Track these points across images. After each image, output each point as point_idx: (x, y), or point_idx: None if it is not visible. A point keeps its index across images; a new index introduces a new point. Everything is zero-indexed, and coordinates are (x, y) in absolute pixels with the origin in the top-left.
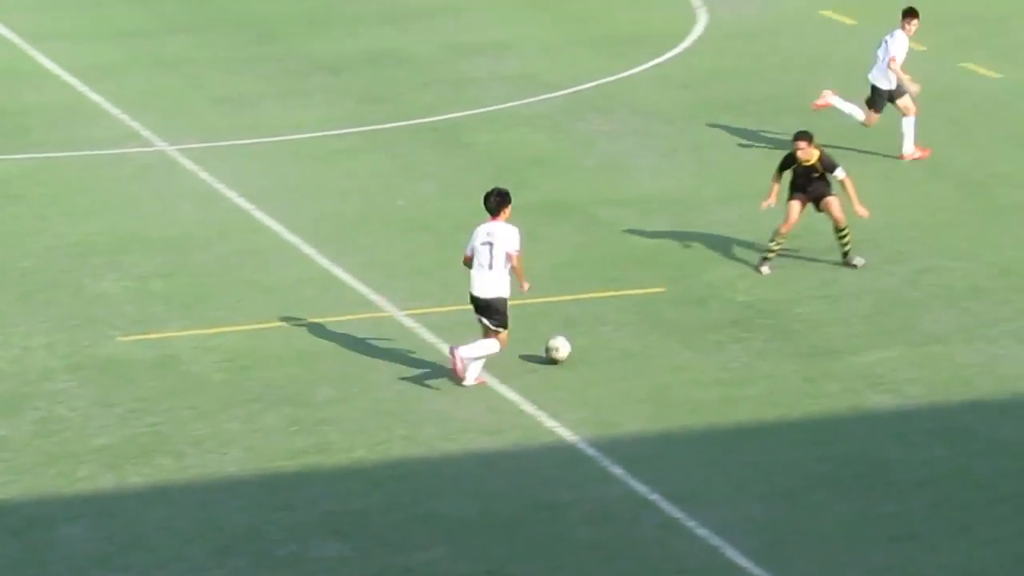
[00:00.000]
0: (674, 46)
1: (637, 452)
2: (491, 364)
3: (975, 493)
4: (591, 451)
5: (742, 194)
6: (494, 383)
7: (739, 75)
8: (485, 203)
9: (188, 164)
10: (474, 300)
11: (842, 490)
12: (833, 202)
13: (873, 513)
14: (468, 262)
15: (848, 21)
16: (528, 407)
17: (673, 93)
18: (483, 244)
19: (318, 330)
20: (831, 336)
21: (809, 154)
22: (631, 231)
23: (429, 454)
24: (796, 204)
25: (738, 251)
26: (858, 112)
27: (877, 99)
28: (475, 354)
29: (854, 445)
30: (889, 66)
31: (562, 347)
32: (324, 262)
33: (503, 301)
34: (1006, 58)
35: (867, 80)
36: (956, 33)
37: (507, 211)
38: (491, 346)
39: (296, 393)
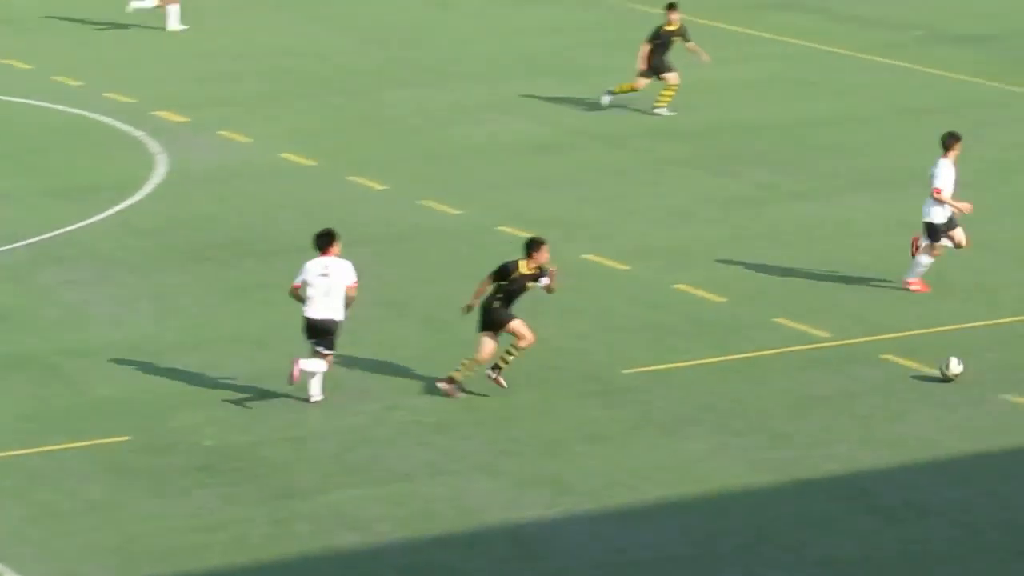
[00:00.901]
0: (134, 193)
1: None
2: None
3: None
4: None
5: (204, 339)
6: None
7: (200, 220)
8: (315, 243)
9: None
10: (310, 324)
11: None
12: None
13: None
14: (294, 292)
15: (307, 163)
16: None
17: (134, 240)
18: (321, 276)
19: None
20: (299, 477)
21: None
22: (94, 381)
23: None
24: (489, 338)
25: (202, 396)
26: (925, 258)
27: (933, 235)
28: (309, 368)
29: None
30: (933, 197)
31: (953, 365)
32: None
33: (337, 324)
34: (463, 195)
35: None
36: (414, 171)
37: (337, 246)
38: (321, 365)
39: None
